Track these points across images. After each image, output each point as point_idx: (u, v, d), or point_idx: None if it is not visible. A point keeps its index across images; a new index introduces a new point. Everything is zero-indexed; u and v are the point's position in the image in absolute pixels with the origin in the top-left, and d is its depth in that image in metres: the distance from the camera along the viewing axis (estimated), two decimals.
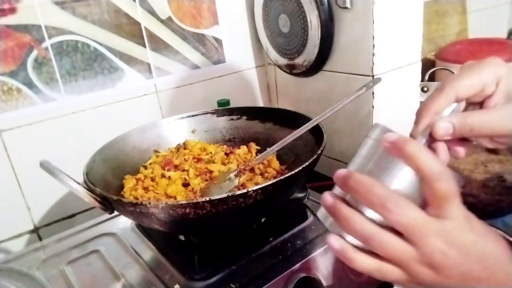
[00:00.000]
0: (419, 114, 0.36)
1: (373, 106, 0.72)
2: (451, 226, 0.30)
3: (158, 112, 0.84)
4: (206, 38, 0.86)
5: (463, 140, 0.38)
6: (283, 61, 0.87)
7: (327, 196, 0.33)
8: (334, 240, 0.33)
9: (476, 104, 0.38)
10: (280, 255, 0.53)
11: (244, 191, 0.44)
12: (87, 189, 0.49)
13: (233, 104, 0.83)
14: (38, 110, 0.70)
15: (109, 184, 0.59)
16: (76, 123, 0.74)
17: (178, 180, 0.60)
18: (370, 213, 0.32)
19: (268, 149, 0.58)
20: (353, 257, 0.32)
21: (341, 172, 0.32)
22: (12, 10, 0.65)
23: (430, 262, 0.30)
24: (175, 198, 0.57)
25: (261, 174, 0.62)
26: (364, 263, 0.32)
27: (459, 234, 0.30)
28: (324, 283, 0.51)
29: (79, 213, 0.78)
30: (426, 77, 1.16)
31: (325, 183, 0.83)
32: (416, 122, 0.36)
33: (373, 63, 0.69)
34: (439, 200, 0.29)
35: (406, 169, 0.31)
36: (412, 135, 0.36)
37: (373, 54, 0.69)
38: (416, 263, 0.30)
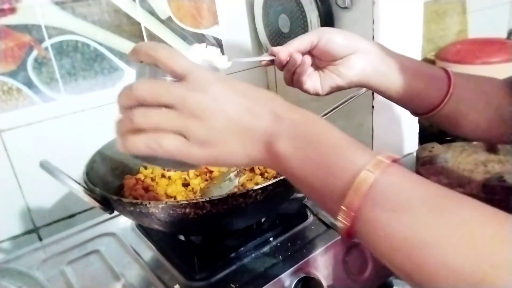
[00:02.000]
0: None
1: (373, 106, 0.72)
2: (197, 83, 0.33)
3: None
4: (206, 38, 0.86)
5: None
6: None
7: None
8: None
9: None
10: (280, 255, 0.53)
11: (244, 191, 0.44)
12: (87, 189, 0.49)
13: None
14: (38, 110, 0.70)
15: (109, 184, 0.59)
16: (76, 123, 0.74)
17: (178, 180, 0.60)
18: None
19: None
20: (129, 140, 0.35)
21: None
22: (12, 10, 0.65)
23: (193, 114, 0.32)
24: (175, 198, 0.57)
25: (261, 174, 0.62)
26: (139, 141, 0.34)
27: (206, 85, 0.33)
28: (324, 283, 0.52)
29: (79, 213, 0.78)
30: None
31: None
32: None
33: None
34: (178, 74, 0.34)
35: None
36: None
37: None
38: (184, 119, 0.32)
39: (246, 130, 0.32)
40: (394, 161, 0.29)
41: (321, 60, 0.52)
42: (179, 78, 0.34)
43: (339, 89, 0.53)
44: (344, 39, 0.50)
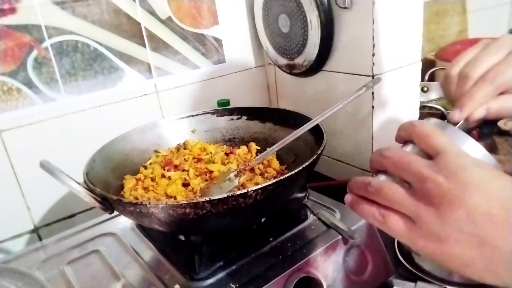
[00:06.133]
0: (463, 103, 0.37)
1: (373, 106, 0.72)
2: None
3: (158, 112, 0.84)
4: (206, 38, 0.86)
5: None
6: (283, 61, 0.87)
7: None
8: (347, 196, 0.35)
9: None
10: (280, 255, 0.53)
11: (244, 191, 0.44)
12: (87, 189, 0.49)
13: (233, 104, 0.83)
14: (38, 110, 0.70)
15: (109, 184, 0.59)
16: (76, 123, 0.74)
17: (178, 180, 0.60)
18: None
19: (268, 149, 0.58)
20: (360, 206, 0.34)
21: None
22: (12, 10, 0.65)
23: (428, 198, 0.29)
24: (175, 198, 0.57)
25: (261, 174, 0.62)
26: (369, 210, 0.33)
27: (456, 170, 0.29)
28: (324, 283, 0.51)
29: (79, 213, 0.78)
30: (426, 77, 1.16)
31: (325, 183, 0.83)
32: (459, 108, 0.37)
33: (373, 63, 0.69)
34: (431, 151, 0.32)
35: None
36: (452, 119, 0.37)
37: (373, 54, 0.69)
38: (417, 202, 0.30)
39: (493, 234, 0.27)
40: None
41: None
42: (431, 155, 0.31)
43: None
44: None
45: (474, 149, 0.33)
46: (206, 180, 0.62)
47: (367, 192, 0.33)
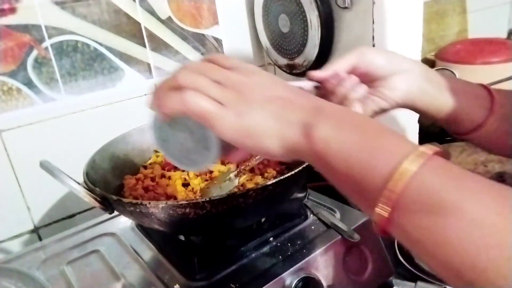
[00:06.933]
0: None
1: None
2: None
3: None
4: (206, 38, 0.86)
5: None
6: (283, 61, 0.87)
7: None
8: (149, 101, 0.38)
9: None
10: (280, 255, 0.53)
11: (244, 191, 0.44)
12: (87, 189, 0.49)
13: None
14: (38, 110, 0.70)
15: (109, 184, 0.59)
16: (76, 123, 0.74)
17: (178, 180, 0.60)
18: None
19: None
20: (161, 100, 0.35)
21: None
22: (12, 10, 0.65)
23: (235, 87, 0.34)
24: (175, 198, 0.57)
25: (261, 174, 0.62)
26: (175, 96, 0.34)
27: (252, 71, 0.36)
28: (324, 283, 0.51)
29: (79, 213, 0.78)
30: None
31: (325, 183, 0.83)
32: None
33: None
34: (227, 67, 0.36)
35: None
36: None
37: None
38: (225, 89, 0.34)
39: (285, 109, 0.33)
40: (437, 153, 0.28)
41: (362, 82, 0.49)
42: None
43: (382, 112, 0.49)
44: (385, 59, 0.47)
45: None
46: (206, 180, 0.62)
47: (177, 80, 0.34)
